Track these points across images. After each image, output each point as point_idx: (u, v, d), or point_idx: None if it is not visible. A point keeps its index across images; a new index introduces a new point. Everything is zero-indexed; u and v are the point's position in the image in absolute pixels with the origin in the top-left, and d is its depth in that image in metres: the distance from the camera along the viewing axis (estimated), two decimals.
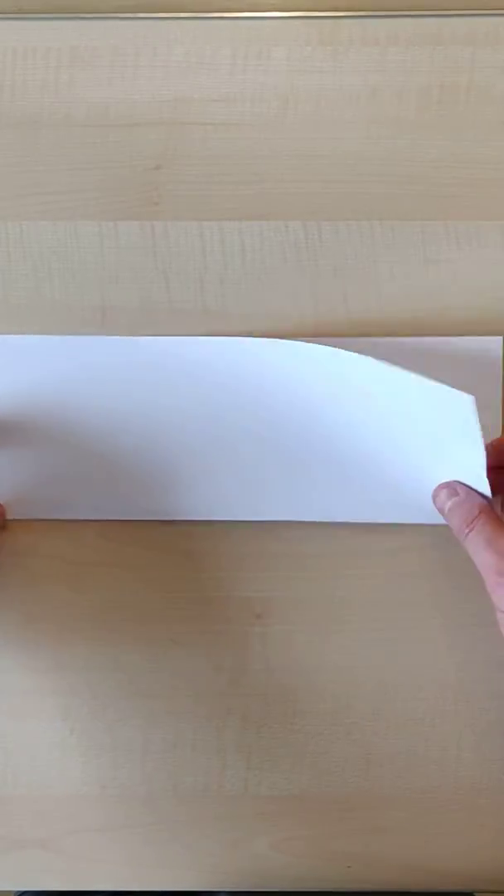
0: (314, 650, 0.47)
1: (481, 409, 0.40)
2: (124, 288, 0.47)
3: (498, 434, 0.45)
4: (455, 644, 0.46)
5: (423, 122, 0.47)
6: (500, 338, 0.46)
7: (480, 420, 0.40)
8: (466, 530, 0.42)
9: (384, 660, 0.47)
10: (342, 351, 0.42)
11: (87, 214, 0.47)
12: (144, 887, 0.47)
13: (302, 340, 0.44)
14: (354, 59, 0.47)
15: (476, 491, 0.43)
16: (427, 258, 0.47)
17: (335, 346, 0.42)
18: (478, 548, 0.41)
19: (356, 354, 0.42)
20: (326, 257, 0.47)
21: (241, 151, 0.47)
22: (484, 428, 0.40)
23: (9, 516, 0.45)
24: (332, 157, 0.47)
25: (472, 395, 0.39)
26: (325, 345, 0.43)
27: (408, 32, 0.47)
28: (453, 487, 0.43)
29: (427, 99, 0.47)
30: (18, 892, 0.58)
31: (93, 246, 0.47)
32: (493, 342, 0.46)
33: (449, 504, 0.43)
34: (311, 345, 0.43)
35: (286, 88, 0.47)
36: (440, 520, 0.43)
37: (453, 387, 0.40)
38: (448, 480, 0.43)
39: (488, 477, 0.42)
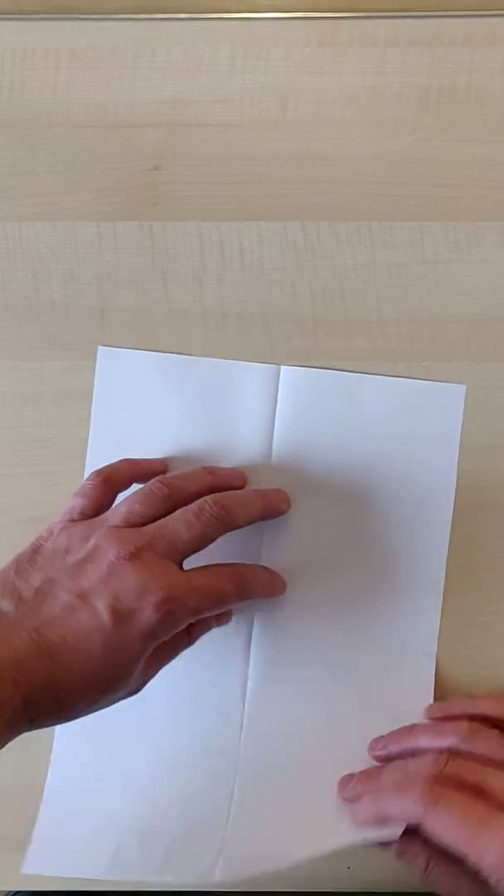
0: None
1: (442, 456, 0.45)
2: (123, 288, 0.47)
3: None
4: (455, 646, 0.46)
5: (422, 122, 0.47)
6: (463, 386, 0.46)
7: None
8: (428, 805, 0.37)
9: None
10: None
11: (85, 215, 0.47)
12: (144, 887, 0.47)
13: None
14: (354, 59, 0.47)
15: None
16: (426, 258, 0.47)
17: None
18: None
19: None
20: (326, 257, 0.47)
21: (241, 151, 0.47)
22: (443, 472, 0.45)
23: None
24: (332, 157, 0.47)
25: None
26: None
27: (408, 33, 0.47)
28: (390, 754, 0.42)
29: (427, 99, 0.47)
30: (15, 892, 0.58)
31: (91, 246, 0.47)
32: (456, 390, 0.46)
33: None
34: None
35: (286, 89, 0.47)
36: None
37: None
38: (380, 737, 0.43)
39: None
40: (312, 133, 0.47)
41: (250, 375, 0.46)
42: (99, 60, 0.47)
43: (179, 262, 0.47)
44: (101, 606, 0.37)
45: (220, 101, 0.47)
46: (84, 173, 0.47)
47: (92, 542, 0.39)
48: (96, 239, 0.47)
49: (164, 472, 0.44)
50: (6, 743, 0.36)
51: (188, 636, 0.42)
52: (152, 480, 0.41)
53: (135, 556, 0.38)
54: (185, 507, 0.40)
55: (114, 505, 0.42)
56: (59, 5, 0.48)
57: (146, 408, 0.46)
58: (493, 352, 0.46)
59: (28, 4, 0.48)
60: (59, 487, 0.46)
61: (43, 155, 0.47)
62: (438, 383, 0.46)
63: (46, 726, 0.38)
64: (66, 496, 0.46)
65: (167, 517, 0.40)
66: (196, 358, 0.46)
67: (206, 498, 0.40)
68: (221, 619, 0.43)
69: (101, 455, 0.45)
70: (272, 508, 0.44)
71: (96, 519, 0.41)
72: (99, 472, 0.42)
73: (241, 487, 0.44)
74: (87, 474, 0.44)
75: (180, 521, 0.39)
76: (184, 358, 0.46)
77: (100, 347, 0.47)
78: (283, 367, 0.46)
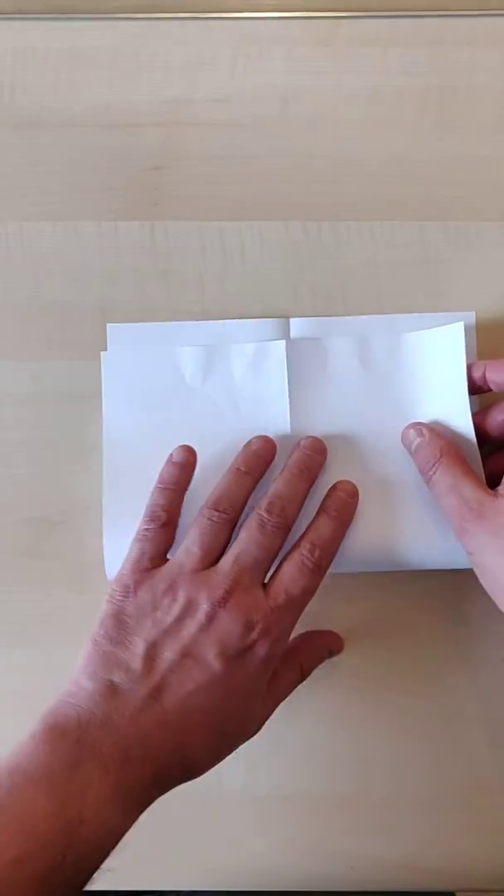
0: None
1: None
2: (124, 288, 0.47)
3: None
4: (456, 641, 0.46)
5: (422, 122, 0.47)
6: (462, 323, 0.45)
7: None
8: (430, 472, 0.41)
9: (384, 657, 0.47)
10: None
11: (87, 214, 0.47)
12: (144, 887, 0.47)
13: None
14: (354, 59, 0.47)
15: (458, 433, 0.43)
16: (427, 258, 0.47)
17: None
18: (440, 491, 0.41)
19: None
20: (326, 257, 0.47)
21: (241, 151, 0.47)
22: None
23: None
24: (332, 157, 0.47)
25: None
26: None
27: (408, 32, 0.47)
28: (419, 428, 0.43)
29: (427, 99, 0.47)
30: None
31: (93, 246, 0.47)
32: (456, 328, 0.45)
33: (414, 445, 0.43)
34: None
35: (286, 88, 0.47)
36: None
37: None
38: (417, 421, 0.43)
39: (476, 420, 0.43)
40: (312, 133, 0.47)
41: (260, 331, 0.46)
42: (100, 60, 0.47)
43: (181, 262, 0.47)
44: (211, 658, 0.38)
45: (221, 101, 0.47)
46: (85, 173, 0.47)
47: (180, 594, 0.39)
48: (97, 239, 0.47)
49: (193, 462, 0.43)
50: (139, 816, 0.37)
51: (300, 671, 0.43)
52: (205, 509, 0.41)
53: (227, 598, 0.39)
54: (246, 526, 0.41)
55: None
56: (60, 5, 0.48)
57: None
58: (493, 351, 0.46)
59: (28, 4, 0.48)
60: (60, 488, 0.46)
61: (44, 155, 0.47)
62: (445, 315, 0.46)
63: (174, 786, 0.39)
64: (67, 497, 0.46)
65: (236, 543, 0.40)
66: (203, 322, 0.46)
67: (261, 510, 0.41)
68: (334, 648, 0.45)
69: (117, 432, 0.45)
70: (314, 474, 0.43)
71: (169, 565, 0.40)
72: (155, 517, 0.41)
73: (272, 456, 0.43)
74: (104, 454, 0.44)
75: (251, 545, 0.40)
76: (191, 323, 0.46)
77: (108, 325, 0.46)
78: (291, 319, 0.46)
